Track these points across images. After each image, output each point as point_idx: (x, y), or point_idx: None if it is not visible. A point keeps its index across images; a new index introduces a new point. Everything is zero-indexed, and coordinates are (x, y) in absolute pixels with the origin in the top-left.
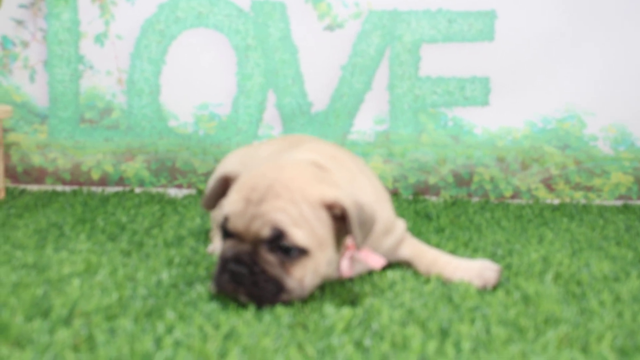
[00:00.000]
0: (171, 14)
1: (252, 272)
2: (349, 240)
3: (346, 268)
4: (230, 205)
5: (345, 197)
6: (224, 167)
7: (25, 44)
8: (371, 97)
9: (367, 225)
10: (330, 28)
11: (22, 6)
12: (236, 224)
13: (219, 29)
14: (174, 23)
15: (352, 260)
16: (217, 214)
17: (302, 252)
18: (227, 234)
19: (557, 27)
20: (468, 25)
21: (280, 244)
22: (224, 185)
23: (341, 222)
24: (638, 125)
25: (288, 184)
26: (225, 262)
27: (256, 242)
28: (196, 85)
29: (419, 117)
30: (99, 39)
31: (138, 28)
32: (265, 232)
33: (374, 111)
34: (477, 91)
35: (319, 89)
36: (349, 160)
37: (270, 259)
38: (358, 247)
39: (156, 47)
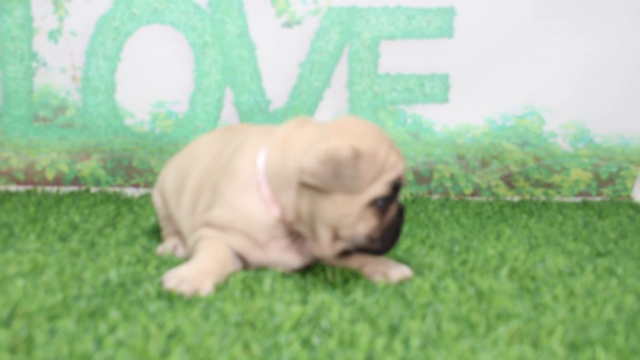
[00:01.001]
0: (127, 10)
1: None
2: None
3: None
4: (398, 165)
5: None
6: (164, 178)
7: None
8: (330, 95)
9: None
10: (288, 25)
11: None
12: (404, 175)
13: (175, 25)
14: (130, 19)
15: None
16: (162, 210)
17: None
18: (393, 193)
19: (516, 24)
20: (427, 22)
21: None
22: None
23: None
24: (597, 122)
25: (381, 138)
26: (401, 218)
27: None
28: (153, 82)
29: (379, 114)
30: (53, 35)
31: (93, 24)
32: (400, 181)
33: (333, 108)
34: (437, 88)
35: (277, 87)
36: None
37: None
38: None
39: (111, 43)
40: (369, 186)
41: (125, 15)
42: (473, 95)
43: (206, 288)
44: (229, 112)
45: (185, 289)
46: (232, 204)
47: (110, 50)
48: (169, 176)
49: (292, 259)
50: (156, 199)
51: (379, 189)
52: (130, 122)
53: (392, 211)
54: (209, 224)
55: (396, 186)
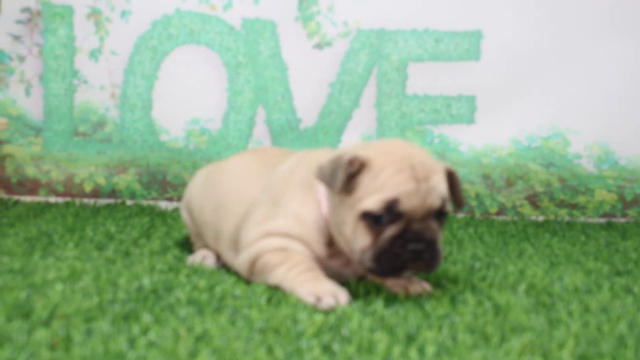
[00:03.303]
0: (164, 31)
1: (429, 245)
2: None
3: None
4: (399, 186)
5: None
6: (190, 194)
7: (21, 59)
8: (359, 114)
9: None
10: (319, 46)
11: (19, 22)
12: (412, 203)
13: (210, 46)
14: (167, 40)
15: None
16: (191, 226)
17: (446, 217)
18: (389, 215)
19: (542, 46)
20: (454, 45)
21: (438, 214)
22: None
23: None
24: (621, 143)
25: (430, 160)
26: (405, 243)
27: (426, 216)
28: (187, 100)
29: (406, 134)
30: (94, 54)
31: (132, 44)
32: (437, 204)
33: (361, 128)
34: (463, 109)
35: (307, 106)
36: None
37: (437, 227)
38: (463, 204)
39: (149, 63)
40: (364, 198)
41: (162, 35)
42: (499, 116)
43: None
44: (260, 130)
45: (330, 301)
46: (299, 214)
47: (148, 69)
48: (196, 192)
49: (348, 273)
50: (184, 215)
51: (370, 203)
52: (166, 138)
53: (390, 234)
54: (269, 234)
55: (390, 207)
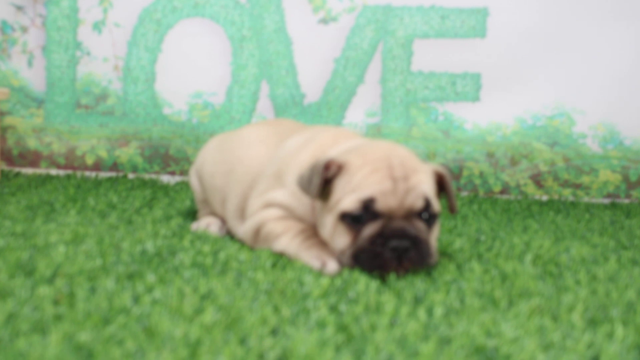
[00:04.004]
0: (168, 4)
1: (414, 243)
2: None
3: None
4: (374, 185)
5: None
6: (204, 160)
7: (24, 29)
8: (363, 91)
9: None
10: (324, 21)
11: None
12: (388, 202)
13: (215, 19)
14: (171, 12)
15: None
16: (199, 192)
17: (435, 219)
18: (367, 216)
19: (548, 25)
20: (460, 22)
21: (424, 214)
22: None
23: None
24: (627, 124)
25: (411, 160)
26: (385, 241)
27: (407, 216)
28: (191, 74)
29: (410, 111)
30: (97, 26)
31: (136, 16)
32: (419, 204)
33: (366, 104)
34: (468, 87)
35: (312, 81)
36: None
37: (422, 228)
38: (454, 209)
39: (153, 35)
40: (342, 200)
41: (166, 8)
42: (504, 94)
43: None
44: (264, 105)
45: (335, 265)
46: (296, 192)
47: (152, 42)
48: (209, 158)
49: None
50: (193, 180)
51: (347, 203)
52: (169, 112)
53: (369, 233)
54: (270, 204)
55: (367, 206)
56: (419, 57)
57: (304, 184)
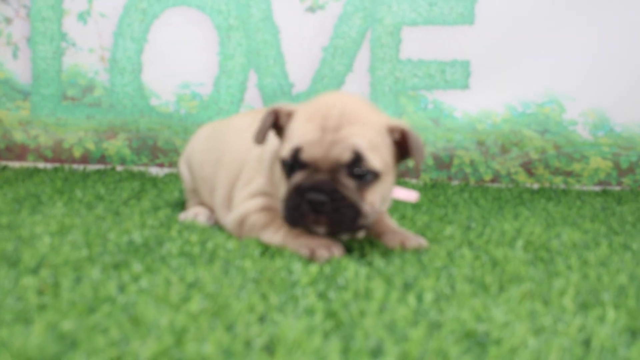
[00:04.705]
0: None
1: (332, 199)
2: None
3: None
4: (304, 135)
5: (403, 122)
6: (193, 148)
7: (8, 21)
8: (352, 79)
9: (423, 150)
10: (311, 9)
11: None
12: (313, 152)
13: (201, 8)
14: (157, 2)
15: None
16: (189, 182)
17: (375, 177)
18: (297, 165)
19: (537, 11)
20: (449, 9)
21: (356, 169)
22: (274, 119)
23: (398, 148)
24: (617, 111)
25: (357, 112)
26: (302, 193)
27: (334, 169)
28: (178, 64)
29: (400, 99)
30: (82, 16)
31: (121, 6)
32: (346, 157)
33: (355, 93)
34: (458, 74)
35: (300, 70)
36: None
37: (349, 184)
38: (418, 167)
39: (139, 25)
40: (283, 147)
41: None
42: (494, 82)
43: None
44: (252, 95)
45: (324, 253)
46: (271, 178)
47: (138, 32)
48: (198, 147)
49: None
50: (183, 169)
51: (283, 151)
52: (156, 103)
53: (292, 183)
54: (254, 194)
55: (295, 155)
56: (407, 44)
57: (255, 135)
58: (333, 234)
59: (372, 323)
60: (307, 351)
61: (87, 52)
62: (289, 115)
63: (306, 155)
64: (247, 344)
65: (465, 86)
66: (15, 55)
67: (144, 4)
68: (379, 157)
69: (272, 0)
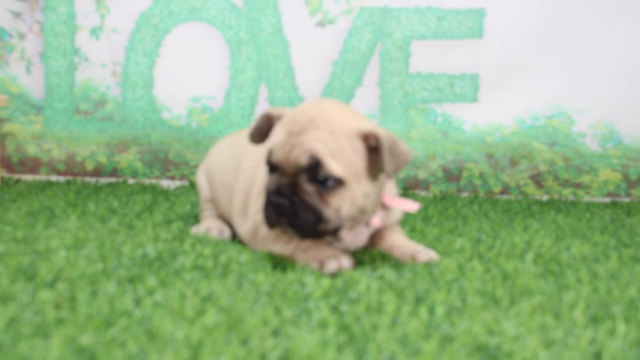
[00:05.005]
0: (165, 8)
1: (292, 203)
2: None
3: (375, 220)
4: (274, 137)
5: (380, 128)
6: (213, 158)
7: (22, 36)
8: (362, 93)
9: (399, 157)
10: (321, 24)
11: None
12: (278, 155)
13: (212, 23)
14: (168, 17)
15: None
16: (205, 191)
17: (338, 182)
18: (271, 168)
19: (546, 24)
20: (457, 23)
21: (317, 174)
22: (268, 122)
23: (376, 154)
24: (626, 122)
25: (328, 117)
26: (269, 195)
27: (296, 173)
28: (189, 78)
29: (409, 112)
30: (95, 32)
31: (133, 21)
32: (303, 161)
33: (364, 106)
34: (467, 88)
35: (310, 84)
36: None
37: (308, 189)
38: (388, 176)
39: (150, 40)
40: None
41: (164, 13)
42: (502, 95)
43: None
44: (263, 108)
45: (333, 265)
46: None
47: (149, 47)
48: (220, 155)
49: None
50: (201, 179)
51: (266, 153)
52: (167, 116)
53: (266, 182)
54: None
55: (268, 158)
56: (416, 58)
57: (249, 134)
58: (300, 234)
59: (384, 336)
60: None
61: (99, 66)
62: (278, 118)
63: (274, 157)
64: (262, 357)
65: (474, 99)
66: (28, 70)
67: (155, 19)
68: (342, 163)
69: (282, 14)
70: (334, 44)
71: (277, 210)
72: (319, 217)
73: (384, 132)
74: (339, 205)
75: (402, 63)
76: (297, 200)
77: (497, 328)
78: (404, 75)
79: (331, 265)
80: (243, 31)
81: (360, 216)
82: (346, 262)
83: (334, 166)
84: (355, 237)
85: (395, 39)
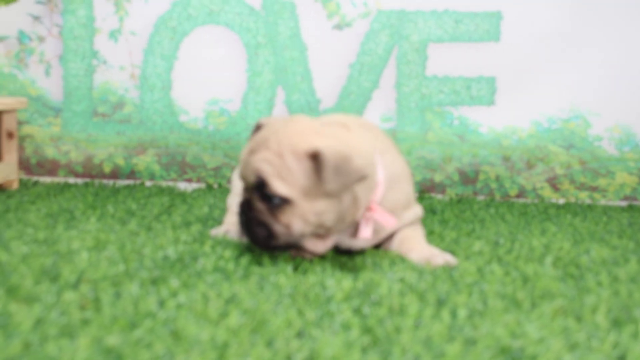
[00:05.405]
0: (183, 12)
1: (248, 218)
2: (372, 203)
3: (365, 231)
4: (242, 159)
5: (329, 145)
6: None
7: (41, 39)
8: (379, 96)
9: (348, 175)
10: (338, 27)
11: (38, 2)
12: (240, 172)
13: (230, 26)
14: (186, 20)
15: (370, 223)
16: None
17: (285, 201)
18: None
19: (562, 27)
20: (474, 26)
21: (264, 193)
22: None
23: None
24: None
25: (282, 137)
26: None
27: (251, 190)
28: (207, 81)
29: (426, 115)
30: (113, 35)
31: (151, 25)
32: (252, 180)
33: (381, 109)
34: (483, 91)
35: (327, 87)
36: (386, 140)
37: (259, 206)
38: (330, 193)
39: (169, 43)
40: None
41: (182, 16)
42: (519, 97)
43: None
44: (280, 111)
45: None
46: None
47: (167, 50)
48: None
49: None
50: (235, 178)
51: None
52: (185, 119)
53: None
54: None
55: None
56: (433, 61)
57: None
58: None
59: (408, 339)
60: None
61: (117, 69)
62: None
63: (242, 175)
64: (288, 358)
65: (490, 102)
66: (47, 73)
67: (174, 23)
68: (288, 182)
69: (299, 18)
70: (351, 46)
71: (241, 224)
72: (269, 233)
73: (331, 151)
74: (288, 222)
75: (419, 66)
76: (251, 216)
77: (520, 331)
78: (421, 78)
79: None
80: (261, 34)
81: (328, 229)
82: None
83: (278, 186)
84: (351, 239)
85: (412, 41)
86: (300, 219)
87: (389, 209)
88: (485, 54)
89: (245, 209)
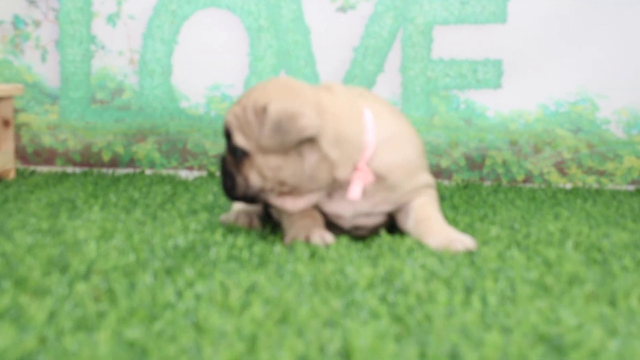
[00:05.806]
0: None
1: (222, 169)
2: (359, 163)
3: (353, 190)
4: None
5: (279, 102)
6: None
7: (37, 24)
8: (383, 79)
9: (285, 133)
10: (342, 9)
11: None
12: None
13: (231, 9)
14: (187, 3)
15: (359, 184)
16: None
17: (244, 154)
18: None
19: (569, 9)
20: (481, 7)
21: (231, 145)
22: None
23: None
24: None
25: (252, 92)
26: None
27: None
28: (208, 65)
29: (431, 99)
30: (111, 19)
31: (150, 8)
32: (224, 132)
33: (386, 93)
34: (490, 74)
35: (331, 71)
36: (387, 105)
37: (228, 158)
38: (264, 148)
39: (168, 27)
40: None
41: None
42: (526, 81)
43: None
44: None
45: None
46: None
47: (167, 34)
48: None
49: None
50: None
51: None
52: (186, 105)
53: None
54: None
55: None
56: (439, 44)
57: None
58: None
59: (442, 327)
60: (384, 357)
61: (116, 54)
62: None
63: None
64: (321, 349)
65: (497, 85)
66: (43, 59)
67: (173, 6)
68: (247, 136)
69: (302, 0)
70: (355, 29)
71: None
72: (233, 184)
73: (277, 107)
74: (247, 174)
75: (425, 49)
76: (222, 167)
77: (554, 317)
78: (426, 61)
79: (315, 239)
80: (263, 17)
81: (294, 187)
82: (329, 238)
83: (239, 138)
84: (340, 205)
85: (417, 24)
86: (256, 172)
87: (383, 172)
88: (491, 36)
89: (220, 160)
